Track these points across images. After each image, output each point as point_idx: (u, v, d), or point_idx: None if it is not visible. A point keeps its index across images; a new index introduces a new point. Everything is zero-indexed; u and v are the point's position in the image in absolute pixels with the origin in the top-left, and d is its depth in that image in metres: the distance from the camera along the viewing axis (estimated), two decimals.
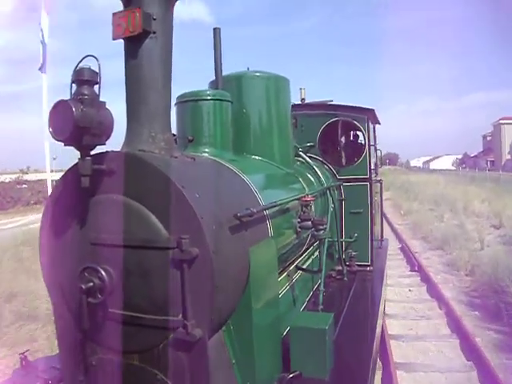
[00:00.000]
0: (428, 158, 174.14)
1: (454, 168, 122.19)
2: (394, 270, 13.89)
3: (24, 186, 50.41)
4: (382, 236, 10.53)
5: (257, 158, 5.21)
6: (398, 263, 15.27)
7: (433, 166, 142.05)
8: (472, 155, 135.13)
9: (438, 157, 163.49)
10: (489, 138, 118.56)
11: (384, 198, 24.81)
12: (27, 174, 57.85)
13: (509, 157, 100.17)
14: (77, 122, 2.59)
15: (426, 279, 12.83)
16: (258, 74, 5.44)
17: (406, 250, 16.75)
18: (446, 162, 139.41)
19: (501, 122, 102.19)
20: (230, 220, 3.15)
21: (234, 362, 3.32)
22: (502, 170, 78.59)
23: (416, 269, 14.01)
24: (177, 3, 3.37)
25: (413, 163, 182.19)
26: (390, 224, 23.96)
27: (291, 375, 3.85)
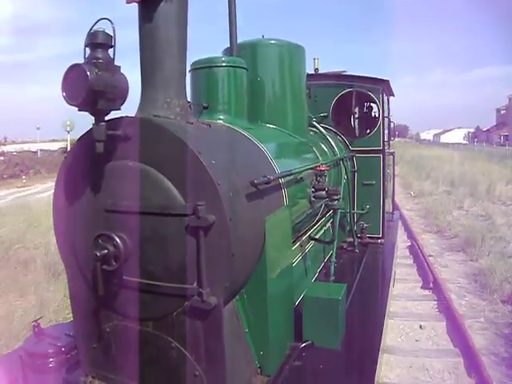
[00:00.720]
0: (438, 131, 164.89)
1: (465, 142, 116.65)
2: (400, 285, 9.47)
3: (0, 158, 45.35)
4: (393, 208, 10.51)
5: (271, 126, 5.16)
6: (406, 273, 10.45)
7: (443, 139, 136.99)
8: (485, 129, 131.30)
9: (448, 130, 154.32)
10: (503, 112, 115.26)
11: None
12: (4, 145, 55.71)
13: None
14: (91, 86, 2.53)
15: (445, 307, 8.27)
16: (272, 41, 5.36)
17: (416, 252, 11.70)
18: (457, 136, 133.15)
19: None
20: (247, 187, 3.11)
21: (247, 330, 3.33)
22: None
23: (431, 285, 9.42)
24: None
25: (423, 136, 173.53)
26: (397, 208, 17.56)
27: (303, 344, 3.87)
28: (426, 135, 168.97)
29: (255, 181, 3.14)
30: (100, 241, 2.83)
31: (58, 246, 3.47)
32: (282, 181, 3.93)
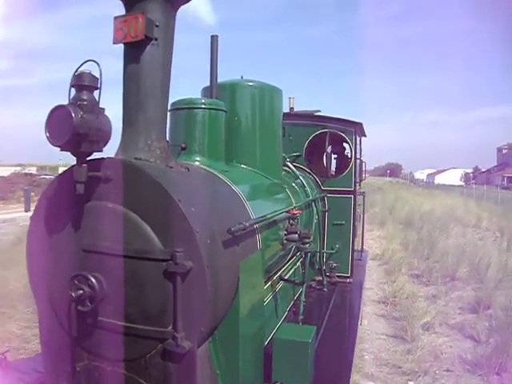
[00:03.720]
0: (433, 171, 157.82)
1: (462, 183, 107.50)
2: None
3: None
4: (362, 247, 10.64)
5: (246, 167, 5.23)
6: None
7: (438, 179, 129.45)
8: (483, 170, 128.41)
9: (443, 170, 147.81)
10: (505, 151, 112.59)
11: (374, 244, 19.78)
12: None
13: None
14: (76, 128, 2.56)
15: None
16: (251, 83, 5.46)
17: None
18: (452, 176, 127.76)
19: None
20: (224, 234, 3.16)
21: (218, 372, 3.33)
22: None
23: None
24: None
25: (416, 175, 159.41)
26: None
27: None
28: (420, 175, 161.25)
29: (232, 228, 3.18)
30: (76, 281, 2.83)
31: (29, 280, 3.44)
32: (256, 226, 3.98)
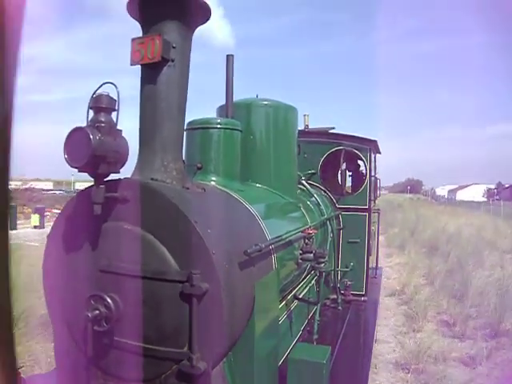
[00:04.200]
0: (454, 187, 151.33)
1: (485, 199, 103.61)
2: None
3: None
4: (376, 264, 10.58)
5: (262, 186, 5.26)
6: None
7: (460, 195, 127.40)
8: (507, 185, 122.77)
9: (465, 186, 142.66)
10: None
11: (392, 273, 16.81)
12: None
13: None
14: (94, 150, 2.59)
15: None
16: (265, 102, 5.50)
17: None
18: (474, 192, 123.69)
19: None
20: (240, 255, 3.17)
21: None
22: None
23: None
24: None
25: (437, 192, 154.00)
26: None
27: None
28: (441, 191, 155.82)
29: (248, 250, 3.19)
30: (92, 301, 2.84)
31: (45, 300, 3.44)
32: (272, 246, 3.99)
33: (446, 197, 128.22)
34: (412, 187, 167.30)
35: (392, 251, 23.70)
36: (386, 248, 23.34)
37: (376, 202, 9.63)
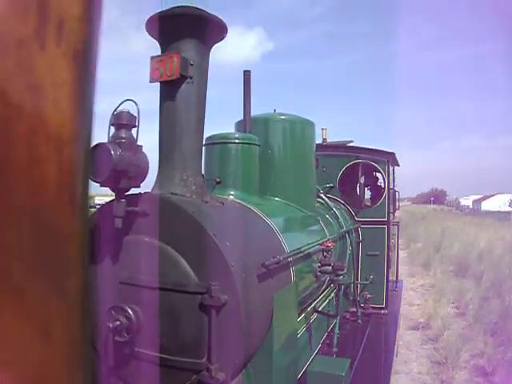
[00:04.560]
0: (478, 197, 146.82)
1: (511, 209, 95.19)
2: None
3: None
4: (397, 277, 10.53)
5: (280, 200, 5.29)
6: None
7: (485, 206, 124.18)
8: None
9: (489, 196, 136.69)
10: None
11: (415, 298, 14.86)
12: None
13: None
14: (115, 165, 2.66)
15: None
16: (283, 116, 5.56)
17: None
18: (499, 202, 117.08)
19: None
20: (258, 267, 3.21)
21: None
22: None
23: None
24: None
25: (461, 202, 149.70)
26: None
27: None
28: (465, 201, 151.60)
29: (266, 262, 3.22)
30: (113, 312, 2.90)
31: None
32: (290, 259, 4.02)
33: (471, 207, 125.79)
34: (436, 197, 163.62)
35: (415, 270, 21.58)
36: (408, 266, 21.89)
37: (395, 214, 9.62)
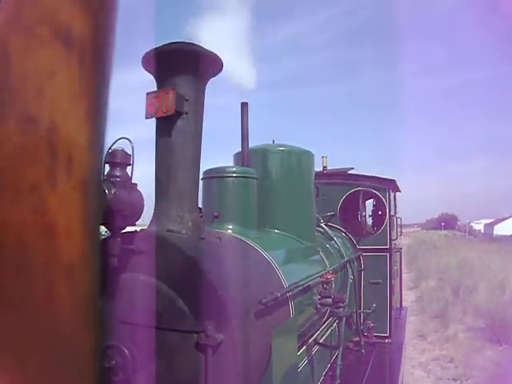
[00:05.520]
0: (490, 221, 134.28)
1: None
2: None
3: None
4: (401, 305, 10.44)
5: (279, 231, 5.27)
6: None
7: (497, 230, 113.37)
8: None
9: (503, 219, 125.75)
10: None
11: None
12: None
13: None
14: (109, 205, 2.66)
15: None
16: (281, 148, 5.57)
17: None
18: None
19: None
20: (255, 305, 3.18)
21: None
22: None
23: None
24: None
25: (474, 226, 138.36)
26: None
27: None
28: (476, 225, 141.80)
29: (263, 300, 3.20)
30: (109, 351, 2.86)
31: None
32: (289, 294, 3.98)
33: (483, 231, 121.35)
34: (446, 222, 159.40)
35: (427, 327, 15.57)
36: (417, 317, 16.66)
37: (397, 241, 9.58)
